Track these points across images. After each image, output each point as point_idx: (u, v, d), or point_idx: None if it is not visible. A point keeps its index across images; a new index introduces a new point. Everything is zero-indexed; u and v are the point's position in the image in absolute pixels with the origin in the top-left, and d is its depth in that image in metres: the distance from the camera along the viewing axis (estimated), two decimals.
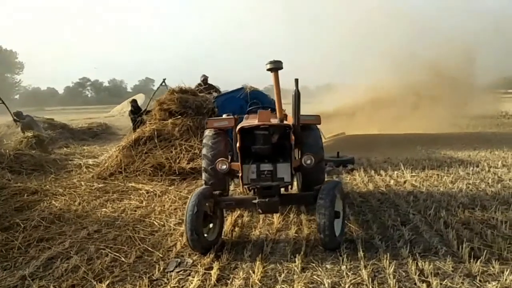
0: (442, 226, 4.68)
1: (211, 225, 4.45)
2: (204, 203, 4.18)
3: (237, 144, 4.21)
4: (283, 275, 3.63)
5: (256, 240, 4.58)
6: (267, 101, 9.84)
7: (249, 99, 9.44)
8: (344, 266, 3.74)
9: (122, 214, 5.84)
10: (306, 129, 5.93)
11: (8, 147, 11.21)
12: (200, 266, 3.89)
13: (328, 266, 3.81)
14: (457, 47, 16.99)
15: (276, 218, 5.22)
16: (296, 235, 4.68)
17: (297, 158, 5.67)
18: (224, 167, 4.28)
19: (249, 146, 4.23)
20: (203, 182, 5.50)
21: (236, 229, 4.98)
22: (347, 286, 3.39)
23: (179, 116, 9.29)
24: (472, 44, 17.72)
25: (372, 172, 8.34)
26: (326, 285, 3.41)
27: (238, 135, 4.19)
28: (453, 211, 5.28)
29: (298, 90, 4.87)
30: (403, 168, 8.37)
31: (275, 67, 4.14)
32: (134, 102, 13.56)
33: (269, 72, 4.20)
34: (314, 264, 3.83)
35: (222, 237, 4.69)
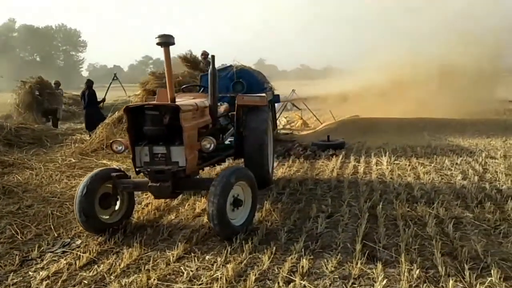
0: (365, 220, 4.26)
1: (117, 207, 4.35)
2: (99, 184, 4.07)
3: (126, 125, 4.02)
4: (151, 264, 3.46)
5: (164, 224, 4.43)
6: (254, 80, 9.52)
7: (235, 78, 9.17)
8: (222, 258, 3.50)
9: (68, 191, 5.92)
10: (251, 111, 5.63)
11: (16, 121, 11.83)
12: (83, 248, 3.82)
13: (208, 257, 3.57)
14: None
15: (203, 202, 5.04)
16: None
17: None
18: (120, 148, 4.12)
19: (142, 127, 4.02)
20: None
21: (156, 212, 4.86)
22: (204, 280, 3.16)
23: None
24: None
25: (352, 158, 7.84)
26: (184, 277, 3.21)
27: (125, 115, 3.99)
28: (395, 205, 4.79)
29: (214, 69, 4.58)
30: (386, 155, 7.78)
31: (165, 41, 3.85)
32: (89, 82, 11.28)
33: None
34: (194, 254, 3.62)
35: (136, 220, 4.60)
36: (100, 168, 4.43)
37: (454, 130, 10.98)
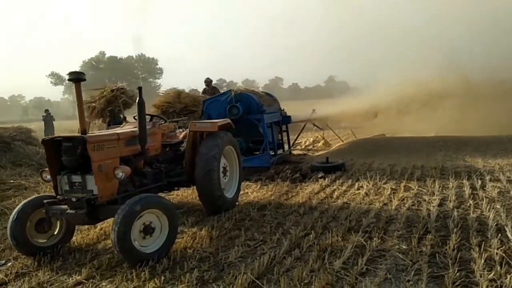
0: (282, 250, 4.14)
1: (56, 231, 4.67)
2: (30, 210, 4.41)
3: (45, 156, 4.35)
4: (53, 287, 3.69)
5: (98, 249, 4.65)
6: (252, 103, 9.61)
7: (233, 102, 9.36)
8: (114, 287, 3.63)
9: None
10: (206, 137, 5.76)
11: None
12: (9, 270, 4.15)
13: (104, 283, 3.72)
14: None
15: None
16: None
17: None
18: (49, 177, 4.45)
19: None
20: None
21: (102, 235, 5.11)
22: None
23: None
24: None
25: (340, 181, 7.57)
26: None
27: (44, 147, 4.32)
28: (333, 233, 4.55)
29: (142, 99, 4.76)
30: (377, 178, 7.43)
31: (75, 77, 4.13)
32: (112, 111, 11.32)
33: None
34: (93, 281, 3.77)
35: (77, 243, 4.88)
36: (36, 195, 4.80)
37: (475, 149, 10.09)
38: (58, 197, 4.33)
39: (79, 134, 4.26)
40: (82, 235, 5.16)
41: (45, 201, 4.47)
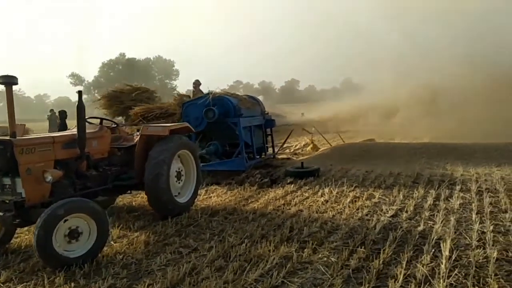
0: (207, 259, 4.07)
1: None
2: None
3: None
4: None
5: (32, 252, 4.64)
6: (229, 106, 9.54)
7: (210, 105, 9.31)
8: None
9: None
10: (158, 141, 5.71)
11: None
12: None
13: (19, 286, 3.71)
14: None
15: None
16: None
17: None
18: None
19: None
20: None
21: None
22: None
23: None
24: None
25: (307, 187, 7.45)
26: None
27: None
28: (267, 243, 4.46)
29: (82, 103, 4.73)
30: (345, 185, 7.29)
31: (7, 81, 4.12)
32: (62, 113, 10.81)
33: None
34: (9, 284, 3.76)
35: (17, 245, 4.87)
36: None
37: (458, 157, 9.83)
38: None
39: (7, 137, 4.27)
40: (28, 236, 5.15)
41: None
